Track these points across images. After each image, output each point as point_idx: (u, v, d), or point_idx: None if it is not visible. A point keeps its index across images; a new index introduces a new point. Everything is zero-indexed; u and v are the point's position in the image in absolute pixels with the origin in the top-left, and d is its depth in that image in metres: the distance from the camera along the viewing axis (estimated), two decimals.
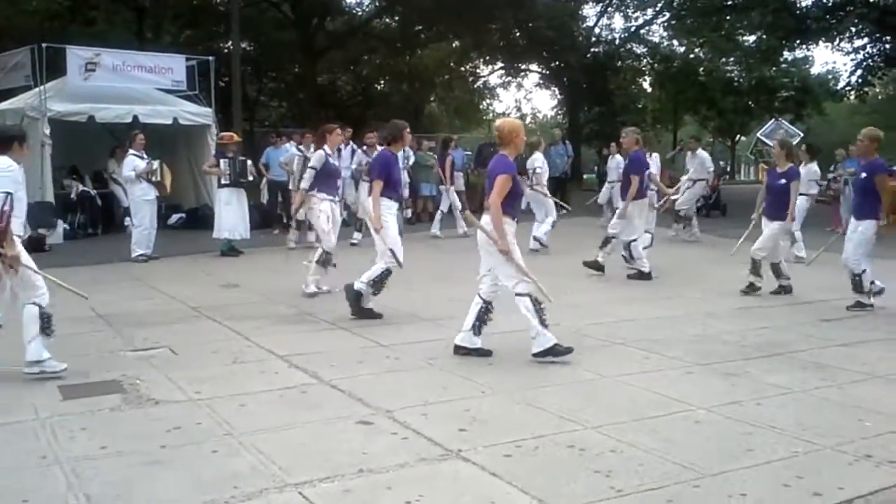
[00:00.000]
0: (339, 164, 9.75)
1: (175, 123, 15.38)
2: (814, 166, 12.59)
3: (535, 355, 6.11)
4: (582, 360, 6.12)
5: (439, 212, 15.20)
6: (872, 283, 8.14)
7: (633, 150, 10.41)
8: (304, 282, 8.88)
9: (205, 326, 7.54)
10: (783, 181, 8.97)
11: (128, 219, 14.90)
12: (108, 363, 6.07)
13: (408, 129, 8.03)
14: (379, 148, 14.22)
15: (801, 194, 10.26)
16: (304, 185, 8.77)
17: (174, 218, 16.36)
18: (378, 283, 7.56)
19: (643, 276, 10.01)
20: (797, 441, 4.40)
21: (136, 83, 15.34)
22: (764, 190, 9.44)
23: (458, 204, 14.97)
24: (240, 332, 7.14)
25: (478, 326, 6.26)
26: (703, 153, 15.28)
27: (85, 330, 7.28)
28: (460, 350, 6.28)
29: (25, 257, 5.66)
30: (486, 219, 6.16)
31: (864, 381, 5.65)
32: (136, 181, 11.75)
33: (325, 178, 8.85)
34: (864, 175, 8.08)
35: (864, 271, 8.03)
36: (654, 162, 12.29)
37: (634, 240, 10.10)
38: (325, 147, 8.87)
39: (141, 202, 11.87)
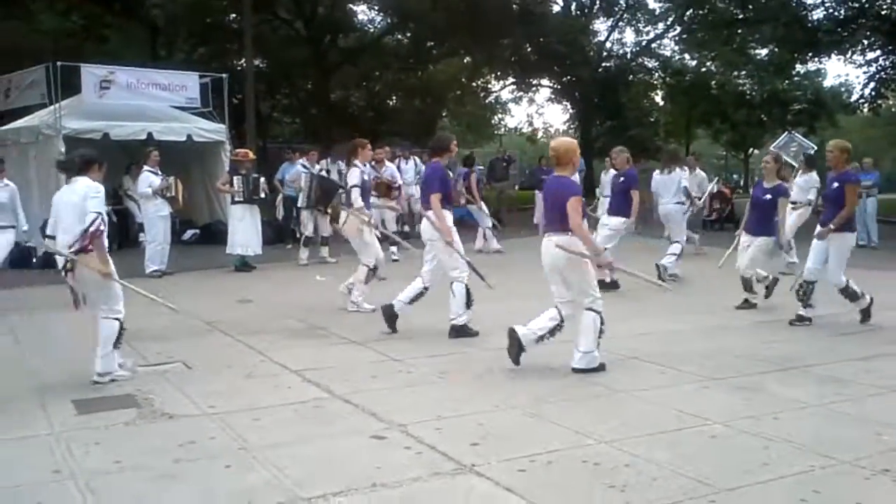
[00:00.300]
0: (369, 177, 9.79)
1: (189, 140, 15.46)
2: (813, 175, 12.56)
3: (577, 370, 6.15)
4: (597, 375, 6.10)
5: (488, 230, 14.88)
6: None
7: (626, 169, 10.44)
8: (349, 300, 8.86)
9: (219, 341, 7.56)
10: (769, 196, 8.99)
11: (142, 234, 14.95)
12: (122, 378, 6.09)
13: (454, 142, 8.09)
14: (388, 164, 14.36)
15: (795, 203, 10.77)
16: (359, 203, 8.74)
17: (188, 234, 16.47)
18: (469, 302, 7.50)
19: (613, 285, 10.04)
20: (814, 455, 4.36)
21: (151, 100, 15.44)
22: (749, 204, 9.44)
23: (488, 223, 14.87)
24: (253, 347, 7.16)
25: (544, 339, 6.25)
26: (701, 172, 15.34)
27: None
28: (514, 338, 6.19)
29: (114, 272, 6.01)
30: (567, 239, 6.06)
31: (881, 395, 5.60)
32: (151, 197, 11.84)
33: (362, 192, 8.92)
34: (836, 185, 8.08)
35: (847, 281, 8.06)
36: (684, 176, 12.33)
37: (606, 248, 10.13)
38: (357, 162, 8.91)
39: (155, 218, 11.94)
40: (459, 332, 7.46)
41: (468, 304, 7.48)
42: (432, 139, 8.23)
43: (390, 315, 7.67)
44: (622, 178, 10.55)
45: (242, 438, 4.69)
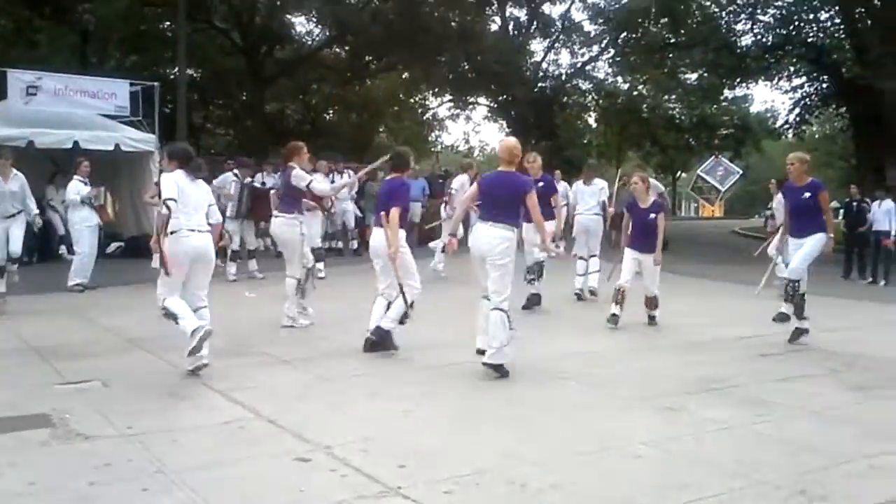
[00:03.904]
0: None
1: (117, 150, 15.10)
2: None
3: (489, 365, 6.51)
4: (524, 395, 6.12)
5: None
6: None
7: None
8: (286, 315, 8.74)
9: (140, 359, 7.35)
10: (653, 215, 9.21)
11: (63, 247, 14.53)
12: (37, 396, 5.88)
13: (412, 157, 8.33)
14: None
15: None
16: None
17: (112, 247, 15.90)
18: (404, 318, 7.40)
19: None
20: (734, 476, 4.43)
21: (78, 108, 15.05)
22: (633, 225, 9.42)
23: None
24: (176, 366, 6.95)
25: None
26: (600, 181, 15.27)
27: (15, 362, 7.08)
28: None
29: None
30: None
31: (800, 417, 5.73)
32: (79, 206, 11.48)
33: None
34: (808, 195, 8.24)
35: (799, 281, 8.16)
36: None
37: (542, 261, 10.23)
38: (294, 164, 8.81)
39: (82, 228, 11.57)
40: (382, 335, 7.39)
41: (402, 320, 7.39)
42: (393, 154, 8.06)
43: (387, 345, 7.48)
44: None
45: (160, 461, 4.55)
